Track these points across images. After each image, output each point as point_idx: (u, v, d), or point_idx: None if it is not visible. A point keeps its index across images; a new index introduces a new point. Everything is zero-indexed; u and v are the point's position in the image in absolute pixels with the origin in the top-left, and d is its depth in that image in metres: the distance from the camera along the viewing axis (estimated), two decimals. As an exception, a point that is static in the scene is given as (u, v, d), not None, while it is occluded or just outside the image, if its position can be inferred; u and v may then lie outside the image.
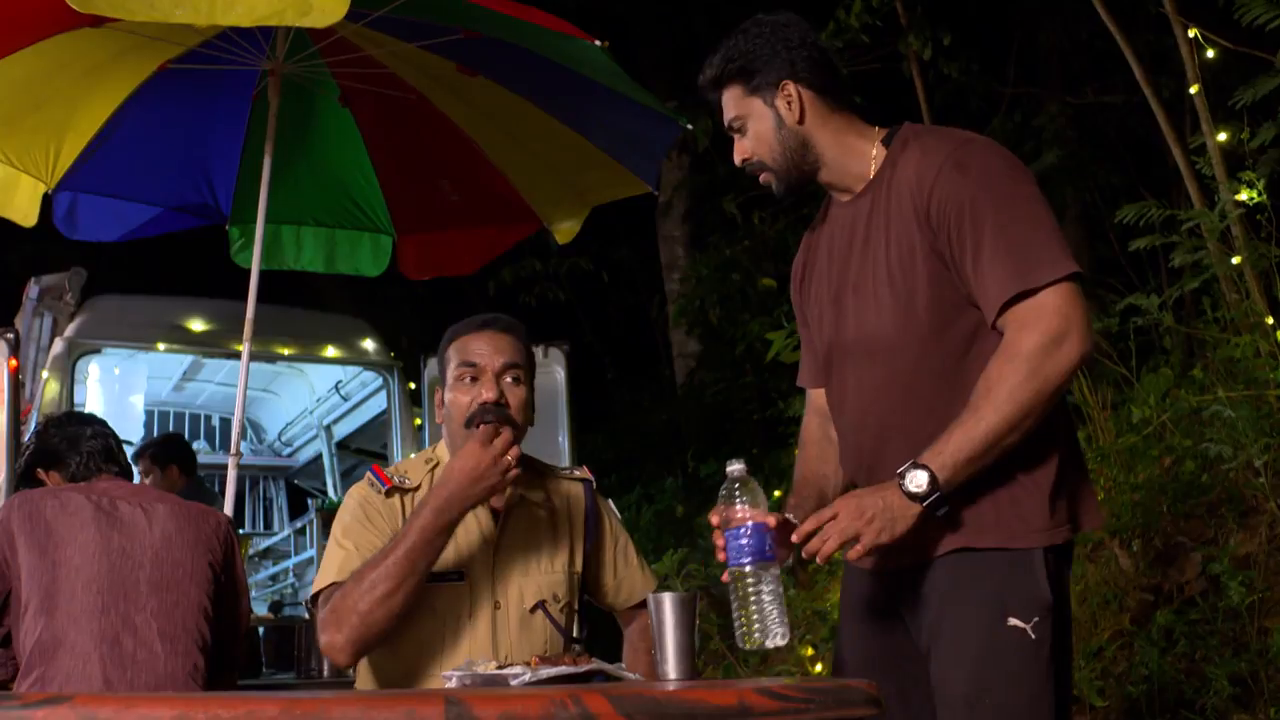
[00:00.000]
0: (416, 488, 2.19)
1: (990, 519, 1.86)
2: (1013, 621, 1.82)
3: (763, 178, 2.05)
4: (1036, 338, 1.79)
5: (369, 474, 2.22)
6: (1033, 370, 1.78)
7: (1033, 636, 1.82)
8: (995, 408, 1.78)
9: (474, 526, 2.18)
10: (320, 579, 2.11)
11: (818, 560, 1.83)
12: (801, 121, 1.99)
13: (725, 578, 1.84)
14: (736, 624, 1.82)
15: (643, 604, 2.29)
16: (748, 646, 1.82)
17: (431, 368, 5.64)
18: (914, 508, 1.80)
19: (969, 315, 1.89)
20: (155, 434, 7.23)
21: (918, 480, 1.79)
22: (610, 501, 2.43)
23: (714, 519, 1.86)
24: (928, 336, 1.90)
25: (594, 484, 2.36)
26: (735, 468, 1.87)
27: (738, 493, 1.85)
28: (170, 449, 4.99)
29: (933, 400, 1.89)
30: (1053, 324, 1.79)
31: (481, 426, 2.05)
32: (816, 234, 2.14)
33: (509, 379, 2.15)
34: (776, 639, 1.80)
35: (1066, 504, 1.90)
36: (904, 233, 1.92)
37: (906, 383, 1.92)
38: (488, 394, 2.12)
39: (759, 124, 2.01)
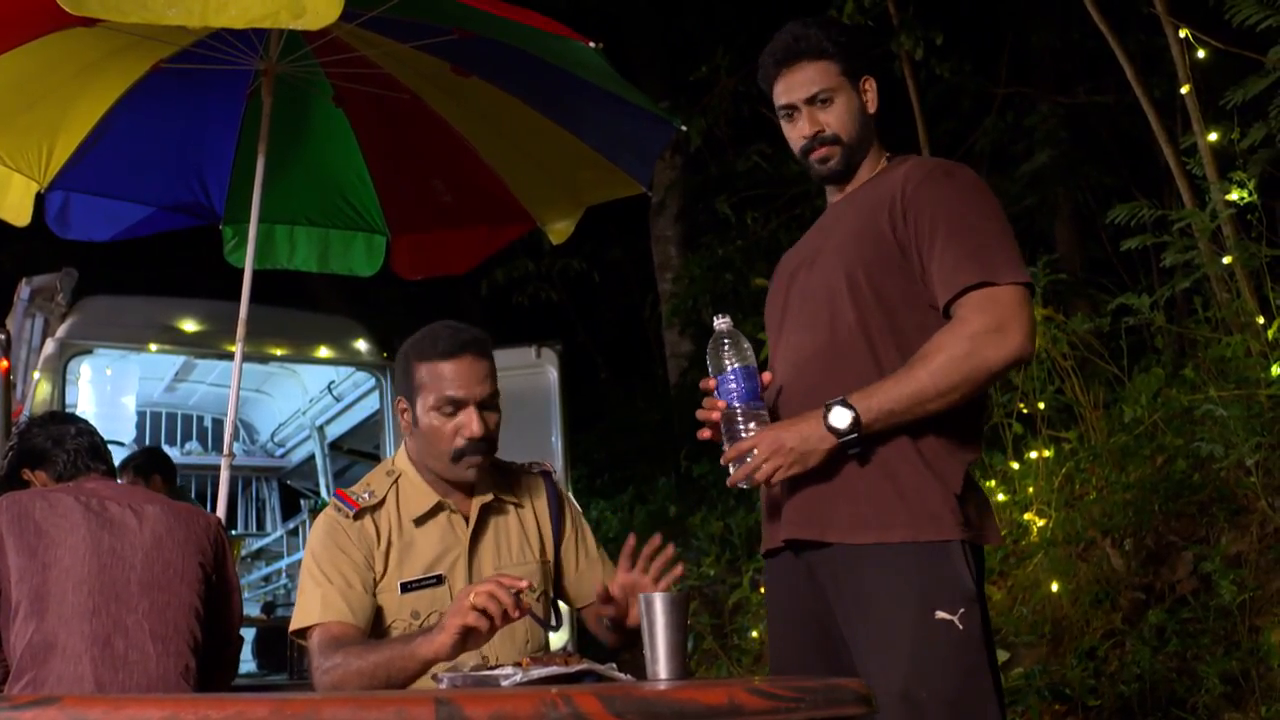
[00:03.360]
0: (381, 502, 2.21)
1: (899, 514, 1.94)
2: (940, 614, 1.89)
3: (825, 152, 2.17)
4: (986, 321, 1.92)
5: (334, 499, 2.24)
6: (973, 349, 1.92)
7: (960, 627, 1.89)
8: (929, 372, 1.92)
9: (448, 528, 2.23)
10: (302, 616, 2.12)
11: (742, 486, 2.01)
12: (872, 114, 2.19)
13: (703, 434, 2.05)
14: (725, 461, 2.01)
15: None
16: (729, 483, 2.01)
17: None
18: (830, 440, 1.93)
19: (909, 306, 2.03)
20: (147, 435, 7.24)
21: (841, 417, 1.92)
22: (569, 493, 2.46)
23: (708, 383, 2.03)
24: (867, 310, 2.03)
25: (553, 475, 2.41)
26: (721, 323, 2.04)
27: (725, 346, 2.02)
28: (153, 459, 4.96)
29: (860, 369, 2.01)
30: (1003, 315, 1.93)
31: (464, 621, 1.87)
32: (802, 238, 2.30)
33: (487, 409, 2.18)
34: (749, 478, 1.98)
35: (975, 511, 2.00)
36: (870, 218, 2.07)
37: (837, 349, 2.04)
38: (476, 429, 2.15)
39: (848, 103, 2.15)
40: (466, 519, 2.24)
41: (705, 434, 2.07)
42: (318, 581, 2.13)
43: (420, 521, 2.22)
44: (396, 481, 2.25)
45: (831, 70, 2.14)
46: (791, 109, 2.17)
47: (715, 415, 2.01)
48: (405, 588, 2.17)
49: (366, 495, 2.21)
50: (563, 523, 2.35)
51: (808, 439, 1.93)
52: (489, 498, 2.26)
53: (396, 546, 2.19)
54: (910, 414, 1.92)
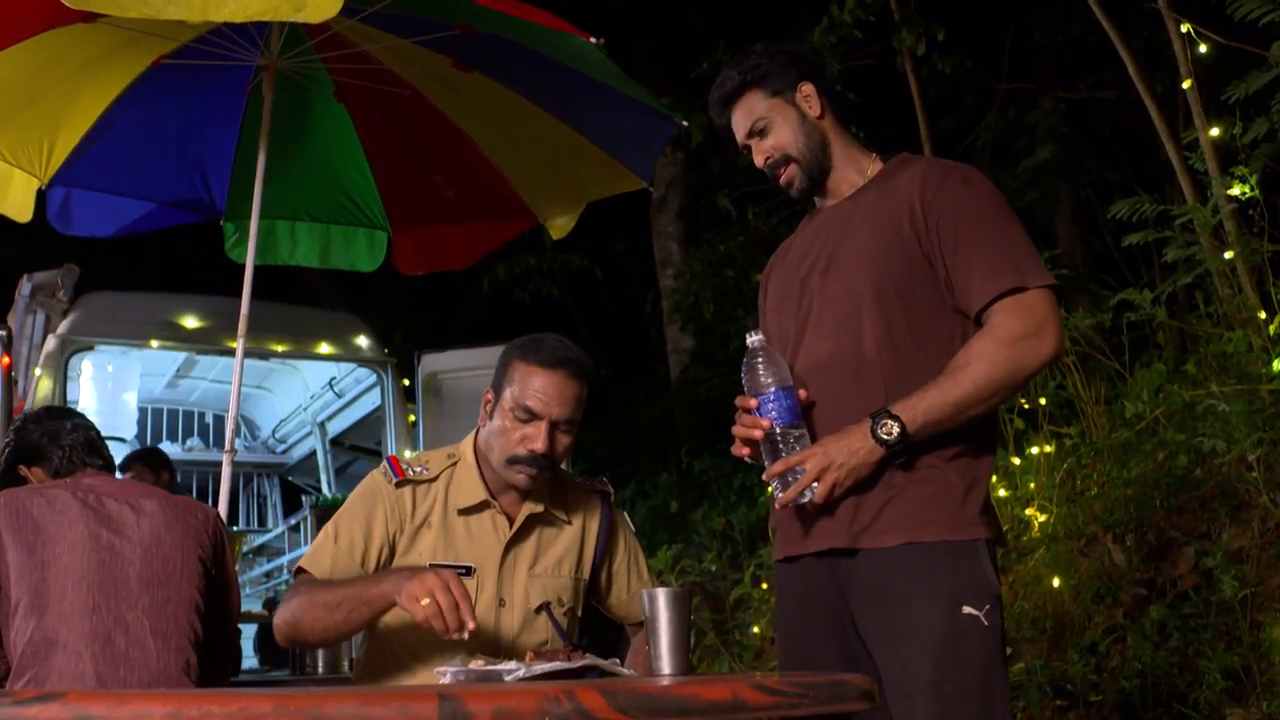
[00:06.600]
0: (434, 479, 2.26)
1: (934, 514, 1.97)
2: (967, 610, 1.93)
3: (786, 174, 2.20)
4: (1022, 326, 1.96)
5: (385, 463, 2.30)
6: (1013, 354, 1.95)
7: (985, 623, 1.94)
8: (971, 378, 1.94)
9: (489, 524, 2.26)
10: (305, 555, 2.23)
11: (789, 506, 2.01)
12: (821, 117, 2.19)
13: (740, 451, 2.05)
14: (769, 478, 2.01)
15: None
16: (778, 505, 2.01)
17: (426, 364, 5.64)
18: (879, 453, 1.94)
19: (937, 315, 2.04)
20: (149, 431, 7.25)
21: (891, 429, 1.93)
22: (625, 515, 2.48)
23: (748, 401, 2.02)
24: (895, 321, 2.03)
25: (612, 496, 2.42)
26: (754, 339, 2.04)
27: (761, 364, 2.01)
28: (158, 456, 4.94)
29: (885, 375, 2.02)
30: (1037, 319, 1.97)
31: (447, 590, 1.91)
32: (792, 240, 2.32)
33: (561, 429, 2.19)
34: (802, 497, 1.98)
35: (992, 512, 2.05)
36: (890, 224, 2.07)
37: (863, 360, 2.04)
38: (540, 445, 2.16)
39: (784, 122, 2.19)
40: (511, 522, 2.26)
41: (744, 451, 2.07)
42: (328, 534, 2.23)
43: (464, 513, 2.25)
44: (454, 466, 2.28)
45: (757, 98, 2.19)
46: (745, 147, 2.24)
47: (758, 434, 2.01)
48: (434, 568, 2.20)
49: (418, 469, 2.26)
50: (612, 545, 2.38)
51: (856, 453, 1.94)
52: (539, 508, 2.28)
53: (435, 529, 2.23)
54: (953, 421, 1.95)
